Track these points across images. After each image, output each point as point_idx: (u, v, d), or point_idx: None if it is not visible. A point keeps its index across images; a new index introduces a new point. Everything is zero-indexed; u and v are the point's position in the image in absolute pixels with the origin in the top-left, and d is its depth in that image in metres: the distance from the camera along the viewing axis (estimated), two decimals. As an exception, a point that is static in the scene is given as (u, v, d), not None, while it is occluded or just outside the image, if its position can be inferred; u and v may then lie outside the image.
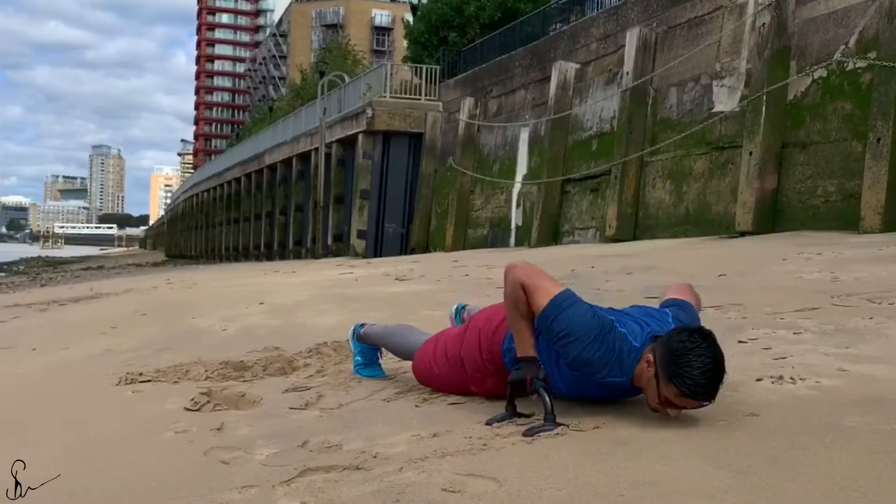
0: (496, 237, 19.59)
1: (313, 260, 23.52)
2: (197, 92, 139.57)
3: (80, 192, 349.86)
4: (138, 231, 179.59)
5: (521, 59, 19.75)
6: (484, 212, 20.42)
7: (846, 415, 2.55)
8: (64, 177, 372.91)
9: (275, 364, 4.33)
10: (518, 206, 18.90)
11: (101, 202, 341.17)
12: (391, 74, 24.10)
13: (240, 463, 2.70)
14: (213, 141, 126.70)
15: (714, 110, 12.66)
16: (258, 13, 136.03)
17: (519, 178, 18.93)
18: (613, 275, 7.86)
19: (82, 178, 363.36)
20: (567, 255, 11.91)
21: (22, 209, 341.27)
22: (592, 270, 8.51)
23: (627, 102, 14.49)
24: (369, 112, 22.85)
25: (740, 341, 3.80)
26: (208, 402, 3.49)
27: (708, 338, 2.60)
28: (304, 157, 29.53)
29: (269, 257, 31.65)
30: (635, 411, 2.78)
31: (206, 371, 4.26)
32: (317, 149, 26.86)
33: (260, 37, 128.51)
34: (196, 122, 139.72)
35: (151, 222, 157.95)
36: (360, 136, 23.46)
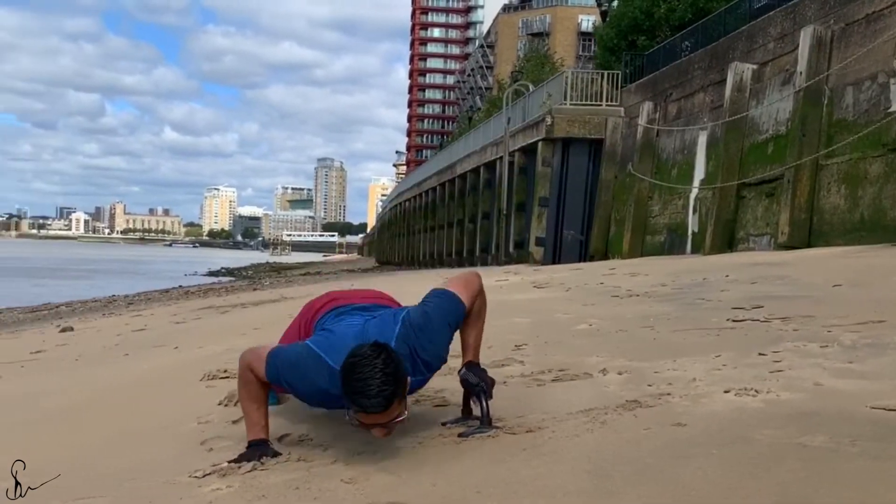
0: (673, 243, 19.07)
1: (494, 267, 23.88)
2: (410, 105, 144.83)
3: (307, 203, 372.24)
4: (357, 239, 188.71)
5: (700, 61, 19.13)
6: (661, 218, 19.93)
7: (761, 429, 2.45)
8: (293, 188, 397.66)
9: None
10: (695, 211, 18.31)
11: (324, 211, 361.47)
12: (571, 82, 23.99)
13: (218, 450, 2.98)
14: (424, 152, 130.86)
15: (890, 110, 11.74)
16: (468, 25, 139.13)
17: (696, 182, 18.34)
18: (736, 284, 7.55)
19: (308, 190, 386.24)
20: (722, 262, 11.46)
21: (255, 218, 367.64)
22: (721, 279, 8.21)
23: (801, 103, 13.70)
24: (548, 120, 22.92)
25: (760, 353, 3.66)
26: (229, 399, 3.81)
27: (378, 352, 2.56)
28: (490, 166, 30.03)
29: (460, 264, 32.38)
30: (588, 418, 2.80)
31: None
32: (501, 158, 27.27)
33: (470, 48, 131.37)
34: (408, 134, 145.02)
35: (368, 230, 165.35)
36: (540, 144, 23.56)
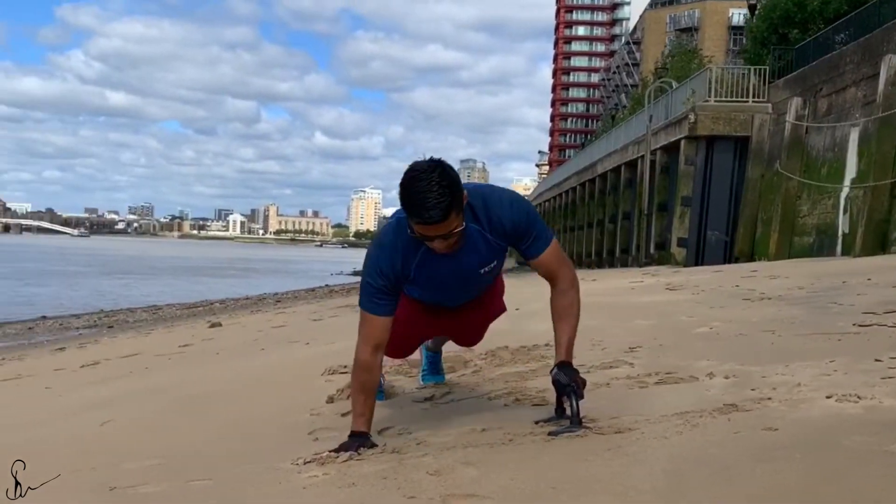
0: (822, 245, 18.19)
1: (633, 268, 23.50)
2: (553, 104, 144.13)
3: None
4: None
5: (852, 55, 18.18)
6: (810, 218, 19.05)
7: (852, 435, 2.38)
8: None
9: (446, 363, 4.72)
10: (845, 211, 17.41)
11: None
12: (716, 78, 23.28)
13: (323, 440, 3.14)
14: (567, 151, 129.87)
15: None
16: (614, 23, 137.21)
17: (847, 181, 17.44)
18: (876, 288, 7.18)
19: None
20: (869, 265, 10.89)
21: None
22: (862, 283, 7.83)
23: (962, 95, 12.85)
24: (691, 117, 22.33)
25: (876, 359, 3.51)
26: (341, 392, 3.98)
27: (433, 167, 2.66)
28: (632, 165, 29.53)
29: (600, 265, 32.03)
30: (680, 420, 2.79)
31: (391, 365, 4.75)
32: (643, 156, 26.79)
33: (615, 46, 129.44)
34: (551, 134, 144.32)
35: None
36: (683, 142, 22.99)
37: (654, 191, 25.74)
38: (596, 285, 12.58)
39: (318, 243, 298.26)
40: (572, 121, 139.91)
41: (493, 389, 3.82)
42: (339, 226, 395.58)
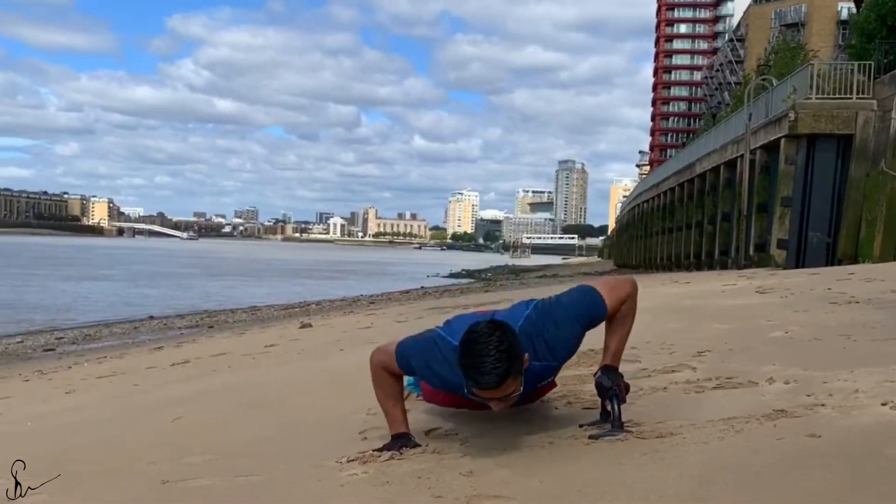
0: (931, 247, 17.39)
1: (731, 271, 22.92)
2: (654, 103, 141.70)
3: (547, 206, 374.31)
4: (597, 241, 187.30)
5: (964, 46, 17.32)
6: (919, 219, 18.24)
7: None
8: (533, 191, 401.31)
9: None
10: (956, 212, 16.60)
11: (564, 214, 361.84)
12: (818, 74, 22.48)
13: (372, 440, 3.22)
14: (668, 151, 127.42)
15: None
16: (717, 20, 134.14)
17: (958, 180, 16.63)
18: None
19: (549, 192, 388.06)
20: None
21: (496, 221, 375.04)
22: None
23: None
24: (791, 115, 21.63)
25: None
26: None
27: (493, 330, 2.63)
28: (731, 165, 28.77)
29: (699, 267, 31.31)
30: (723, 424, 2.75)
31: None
32: (742, 156, 26.09)
33: (718, 43, 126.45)
34: (652, 133, 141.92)
35: (609, 233, 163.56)
36: (783, 141, 22.30)
37: (754, 191, 25.03)
38: (687, 288, 12.37)
39: (417, 245, 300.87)
40: (674, 120, 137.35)
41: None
42: (436, 228, 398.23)
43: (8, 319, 23.39)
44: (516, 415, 3.34)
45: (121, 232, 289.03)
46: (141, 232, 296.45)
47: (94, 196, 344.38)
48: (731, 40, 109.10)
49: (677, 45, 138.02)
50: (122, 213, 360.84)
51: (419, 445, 2.93)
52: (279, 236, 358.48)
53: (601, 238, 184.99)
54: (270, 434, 3.53)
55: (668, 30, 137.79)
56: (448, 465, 2.61)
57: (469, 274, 60.84)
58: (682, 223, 36.71)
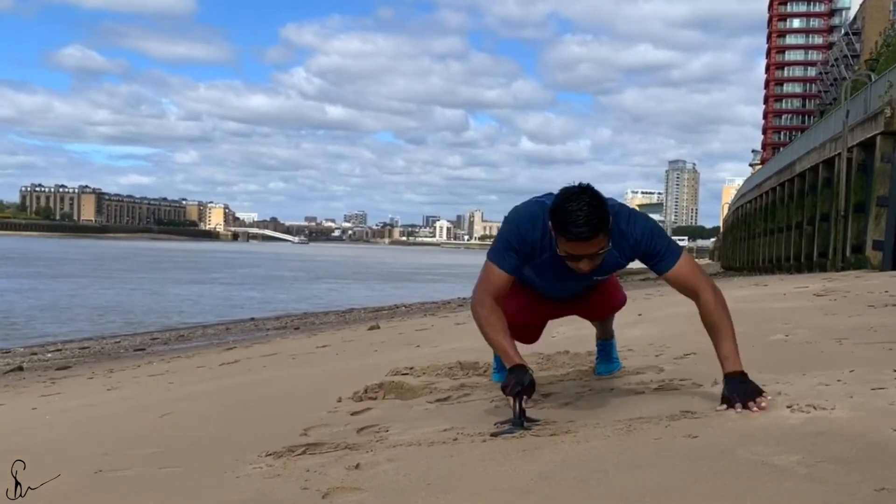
0: None
1: (817, 273, 22.10)
2: (765, 101, 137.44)
3: (657, 206, 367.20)
4: (709, 243, 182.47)
5: None
6: None
7: (752, 446, 2.30)
8: (643, 192, 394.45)
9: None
10: None
11: (675, 215, 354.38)
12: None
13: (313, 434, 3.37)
14: (781, 150, 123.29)
15: None
16: (832, 13, 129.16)
17: None
18: None
19: (659, 193, 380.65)
20: None
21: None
22: None
23: None
24: (888, 111, 20.76)
25: (894, 370, 3.28)
26: (374, 390, 4.18)
27: (584, 189, 2.86)
28: (829, 164, 27.76)
29: (798, 269, 30.30)
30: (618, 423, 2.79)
31: (444, 369, 4.92)
32: (839, 154, 25.16)
33: (834, 37, 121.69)
34: (764, 132, 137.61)
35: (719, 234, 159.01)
36: (879, 138, 21.41)
37: (851, 191, 24.09)
38: (756, 291, 12.06)
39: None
40: (787, 118, 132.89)
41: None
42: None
43: (114, 321, 24.60)
44: (457, 413, 3.44)
45: (235, 236, 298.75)
46: (255, 236, 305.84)
47: (210, 202, 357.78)
48: (846, 34, 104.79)
49: (790, 40, 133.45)
50: (237, 218, 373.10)
51: (534, 380, 3.04)
52: (386, 240, 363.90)
53: (712, 240, 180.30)
54: (230, 429, 3.74)
55: (780, 25, 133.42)
56: (348, 460, 2.73)
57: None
58: (783, 224, 35.59)
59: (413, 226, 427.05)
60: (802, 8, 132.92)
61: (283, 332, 18.47)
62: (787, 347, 4.57)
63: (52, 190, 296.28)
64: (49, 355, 15.82)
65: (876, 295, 8.18)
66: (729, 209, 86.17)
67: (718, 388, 3.41)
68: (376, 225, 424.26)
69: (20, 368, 13.37)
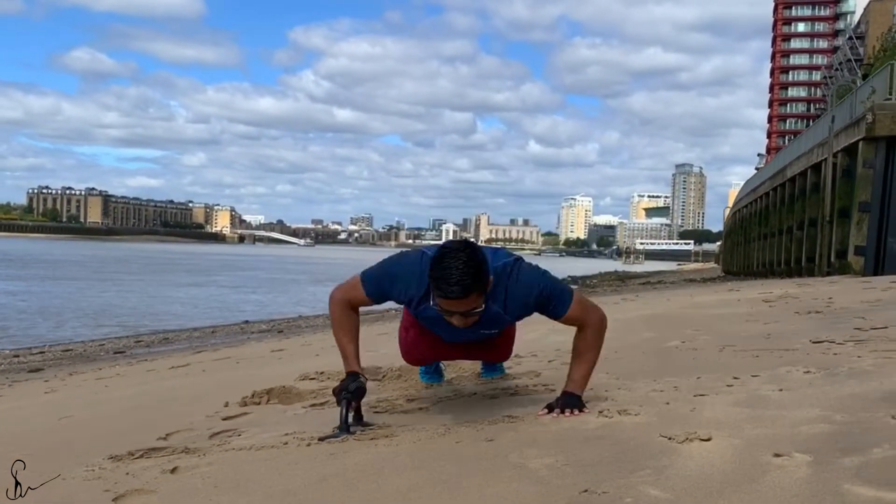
0: None
1: (794, 279, 22.16)
2: (770, 104, 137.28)
3: (663, 210, 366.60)
4: (714, 247, 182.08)
5: None
6: None
7: (526, 448, 2.41)
8: (649, 195, 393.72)
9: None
10: None
11: (681, 219, 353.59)
12: (898, 74, 21.52)
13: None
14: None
15: None
16: (837, 17, 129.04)
17: None
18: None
19: (665, 197, 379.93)
20: None
21: (610, 227, 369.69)
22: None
23: None
24: (869, 117, 20.78)
25: (734, 377, 3.39)
26: (261, 395, 4.30)
27: (464, 247, 2.91)
28: (817, 169, 27.78)
29: (789, 274, 30.30)
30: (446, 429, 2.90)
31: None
32: (826, 159, 25.19)
33: (839, 41, 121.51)
34: (768, 136, 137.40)
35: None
36: (861, 144, 21.43)
37: (836, 196, 24.11)
38: (717, 297, 12.13)
39: (537, 252, 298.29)
40: (792, 122, 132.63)
41: (389, 396, 4.00)
42: (548, 234, 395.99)
43: (105, 324, 24.70)
44: (316, 417, 3.55)
45: (242, 239, 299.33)
46: (261, 239, 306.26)
47: (217, 204, 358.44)
48: (850, 38, 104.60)
49: (795, 44, 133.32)
50: (244, 221, 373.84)
51: (363, 385, 3.16)
52: (392, 243, 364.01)
53: (718, 243, 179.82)
54: (90, 432, 3.87)
55: (785, 29, 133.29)
56: (163, 462, 2.83)
57: (573, 280, 60.00)
58: (776, 228, 35.58)
59: (419, 229, 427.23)
60: (807, 12, 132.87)
61: (263, 336, 18.58)
62: (668, 354, 4.68)
63: (59, 192, 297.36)
64: (30, 357, 15.96)
65: (816, 302, 8.27)
66: (729, 213, 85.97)
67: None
68: (383, 228, 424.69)
69: (-8, 371, 13.53)
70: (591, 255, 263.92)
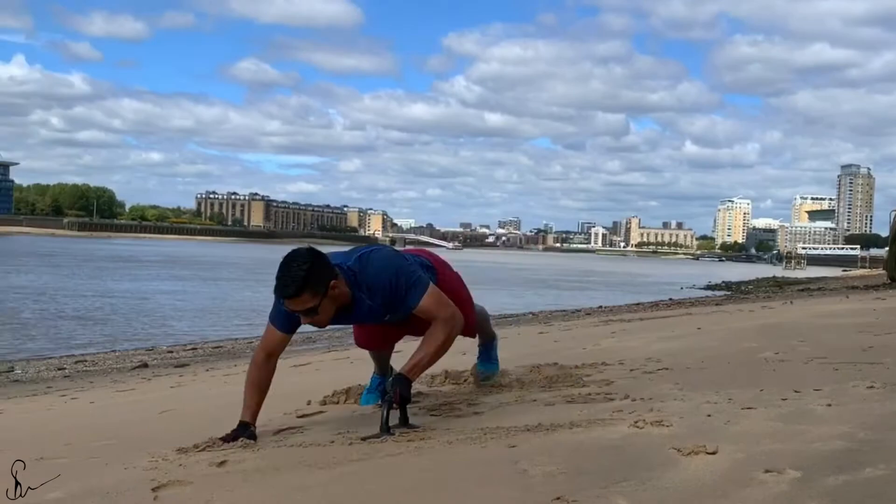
0: None
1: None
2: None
3: (828, 213, 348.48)
4: (882, 252, 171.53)
5: None
6: None
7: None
8: (812, 198, 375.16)
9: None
10: None
11: (847, 222, 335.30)
12: None
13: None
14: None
15: None
16: None
17: None
18: None
19: (830, 199, 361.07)
20: None
21: (770, 231, 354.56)
22: None
23: None
24: None
25: (795, 391, 3.29)
26: (339, 395, 4.48)
27: (300, 253, 3.22)
28: None
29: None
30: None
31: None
32: None
33: None
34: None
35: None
36: None
37: None
38: (862, 305, 11.54)
39: (694, 256, 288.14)
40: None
41: (453, 400, 4.10)
42: (703, 238, 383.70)
43: (254, 322, 25.61)
44: (356, 421, 3.69)
45: (392, 242, 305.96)
46: (411, 242, 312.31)
47: (370, 209, 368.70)
48: None
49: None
50: (395, 225, 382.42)
51: (254, 438, 3.38)
52: (540, 246, 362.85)
53: (886, 249, 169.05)
54: (172, 423, 4.15)
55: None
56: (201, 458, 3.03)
57: (728, 286, 57.80)
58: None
59: (568, 232, 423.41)
60: None
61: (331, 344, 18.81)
62: (753, 365, 4.56)
63: (225, 197, 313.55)
64: (182, 353, 16.89)
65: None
66: (893, 216, 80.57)
67: (615, 404, 3.52)
68: (530, 231, 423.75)
69: (145, 365, 14.45)
70: (750, 259, 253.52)
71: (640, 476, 2.16)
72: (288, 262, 3.24)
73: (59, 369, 13.89)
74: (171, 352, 17.63)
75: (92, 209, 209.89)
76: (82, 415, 5.52)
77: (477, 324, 4.21)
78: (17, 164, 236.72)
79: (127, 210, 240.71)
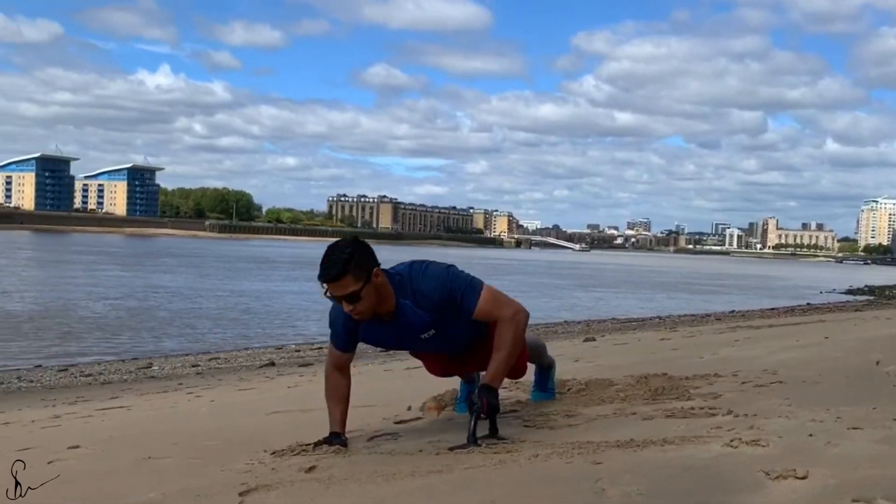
0: None
1: None
2: None
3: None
4: None
5: None
6: None
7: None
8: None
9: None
10: None
11: None
12: None
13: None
14: None
15: None
16: None
17: None
18: None
19: None
20: None
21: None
22: None
23: None
24: None
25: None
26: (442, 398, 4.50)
27: (344, 240, 3.29)
28: None
29: None
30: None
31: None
32: None
33: None
34: None
35: None
36: None
37: None
38: None
39: (837, 259, 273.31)
40: None
41: (552, 411, 4.04)
42: (845, 239, 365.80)
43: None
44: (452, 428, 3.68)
45: (518, 244, 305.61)
46: (537, 244, 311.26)
47: (496, 210, 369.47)
48: None
49: None
50: (521, 226, 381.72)
51: (345, 445, 3.41)
52: (671, 248, 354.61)
53: None
54: (277, 425, 4.25)
55: None
56: (290, 462, 3.09)
57: (871, 290, 54.86)
58: None
59: (700, 233, 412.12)
60: None
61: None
62: (874, 380, 4.31)
63: (355, 199, 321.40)
64: (309, 353, 17.37)
65: None
66: None
67: (717, 420, 3.38)
68: (661, 232, 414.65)
69: (272, 364, 14.93)
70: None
71: (719, 500, 2.07)
72: (331, 248, 3.30)
73: (194, 366, 14.53)
74: (299, 350, 18.19)
75: (231, 212, 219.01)
76: (198, 414, 5.75)
77: (530, 356, 4.09)
78: (162, 169, 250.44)
79: (264, 213, 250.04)
